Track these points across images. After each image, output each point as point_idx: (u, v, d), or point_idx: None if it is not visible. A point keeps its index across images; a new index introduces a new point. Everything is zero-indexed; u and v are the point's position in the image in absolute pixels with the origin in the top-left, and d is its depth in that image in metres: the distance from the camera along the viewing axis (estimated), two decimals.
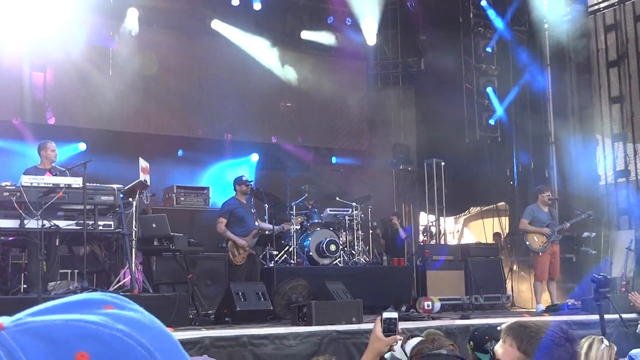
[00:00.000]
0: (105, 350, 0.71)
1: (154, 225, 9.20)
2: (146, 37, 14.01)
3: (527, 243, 11.31)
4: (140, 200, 9.22)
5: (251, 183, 10.65)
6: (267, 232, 10.69)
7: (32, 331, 0.72)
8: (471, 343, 4.87)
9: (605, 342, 4.46)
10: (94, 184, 8.34)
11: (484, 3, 14.83)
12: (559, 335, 2.62)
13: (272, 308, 8.88)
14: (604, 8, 14.81)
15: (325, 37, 15.95)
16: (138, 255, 9.03)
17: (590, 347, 4.35)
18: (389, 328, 3.21)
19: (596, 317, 8.93)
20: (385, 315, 3.23)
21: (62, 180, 8.09)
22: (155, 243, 9.07)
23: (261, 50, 15.23)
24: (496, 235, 15.37)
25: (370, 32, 15.59)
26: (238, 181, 10.55)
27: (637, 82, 13.91)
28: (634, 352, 5.06)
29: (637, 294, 7.00)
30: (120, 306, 0.79)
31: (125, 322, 0.75)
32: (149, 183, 9.33)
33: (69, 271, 9.10)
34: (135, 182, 8.88)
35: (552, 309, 10.67)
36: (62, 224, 7.95)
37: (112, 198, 8.27)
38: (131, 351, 0.72)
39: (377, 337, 3.21)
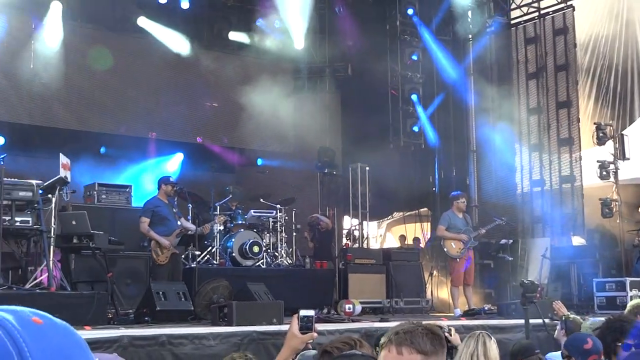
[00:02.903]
0: None
1: (73, 222, 9.00)
2: (70, 31, 13.71)
3: (445, 249, 11.53)
4: (60, 196, 9.01)
5: (176, 185, 10.57)
6: (189, 232, 10.61)
7: None
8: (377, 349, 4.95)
9: (493, 338, 4.57)
10: (12, 179, 8.14)
11: (410, 12, 15.07)
12: None
13: (192, 308, 8.82)
14: (525, 22, 15.27)
15: (253, 39, 15.92)
16: (56, 253, 8.83)
17: (484, 344, 4.44)
18: (306, 326, 3.23)
19: (511, 321, 9.22)
20: (302, 313, 3.25)
21: None
22: (74, 241, 8.87)
23: (188, 50, 15.09)
24: (401, 237, 15.62)
25: (298, 35, 15.64)
26: (164, 181, 10.45)
27: (554, 95, 14.39)
28: (549, 355, 5.25)
29: (561, 303, 7.30)
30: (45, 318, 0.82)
31: (16, 318, 0.79)
32: (69, 179, 9.14)
33: None
34: (55, 178, 8.68)
35: (469, 314, 10.92)
36: None
37: (30, 194, 8.09)
38: None
39: (293, 334, 3.23)
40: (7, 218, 7.85)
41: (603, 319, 5.20)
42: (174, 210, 10.36)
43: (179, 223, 10.25)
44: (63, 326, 0.82)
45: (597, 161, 13.14)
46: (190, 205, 11.42)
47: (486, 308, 11.17)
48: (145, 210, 10.14)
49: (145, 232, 9.97)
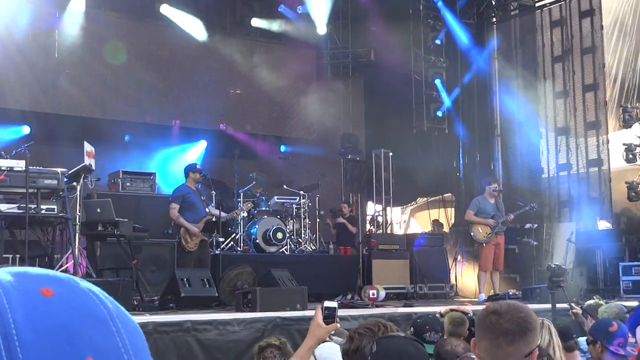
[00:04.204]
0: None
1: (98, 210, 9.08)
2: (93, 20, 13.78)
3: (472, 234, 11.52)
4: (85, 184, 9.10)
5: (204, 173, 10.63)
6: (215, 218, 10.66)
7: None
8: (412, 329, 4.98)
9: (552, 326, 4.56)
10: (38, 167, 8.23)
11: None
12: None
13: (217, 294, 8.89)
14: (550, 4, 15.07)
15: (275, 25, 15.91)
16: (81, 240, 8.93)
17: (550, 332, 4.44)
18: (330, 315, 3.37)
19: (536, 306, 9.16)
20: (326, 304, 3.43)
21: (4, 163, 7.95)
22: (99, 228, 8.94)
23: (210, 37, 15.12)
24: (435, 222, 15.57)
25: (320, 21, 15.60)
26: (192, 168, 10.52)
27: (581, 78, 14.21)
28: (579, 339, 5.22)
29: (573, 305, 7.29)
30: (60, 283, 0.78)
31: (20, 286, 0.74)
32: (93, 167, 9.21)
33: (10, 256, 8.92)
34: (80, 166, 8.76)
35: (493, 299, 10.87)
36: (3, 207, 7.82)
37: (55, 182, 8.17)
38: None
39: (317, 324, 3.35)
40: (33, 206, 7.93)
41: (620, 303, 5.15)
42: (202, 197, 10.44)
43: (206, 210, 10.33)
44: (82, 296, 0.76)
45: (623, 144, 12.98)
46: (214, 192, 11.47)
47: (510, 293, 11.13)
48: (175, 197, 10.23)
49: (175, 219, 10.04)
